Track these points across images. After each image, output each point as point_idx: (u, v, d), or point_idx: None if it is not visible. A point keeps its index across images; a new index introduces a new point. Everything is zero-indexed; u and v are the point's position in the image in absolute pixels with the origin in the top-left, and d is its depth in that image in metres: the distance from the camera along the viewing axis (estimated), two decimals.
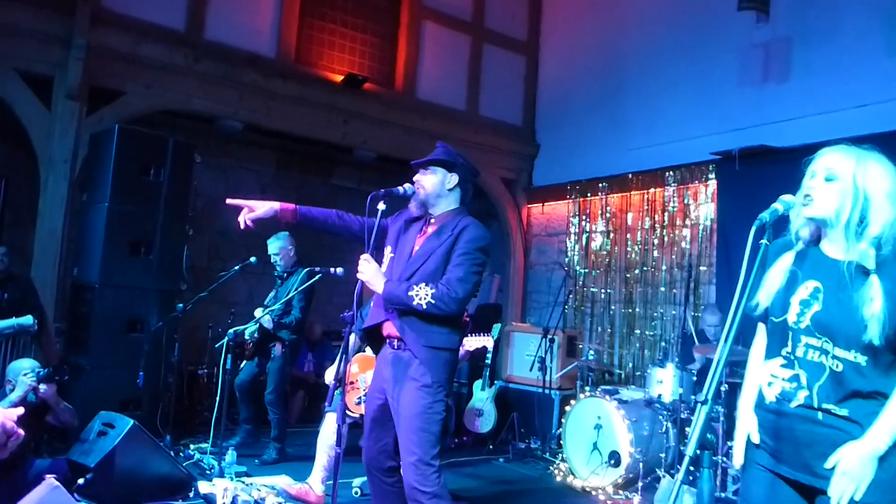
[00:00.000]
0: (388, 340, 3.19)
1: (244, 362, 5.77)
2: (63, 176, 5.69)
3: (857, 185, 1.87)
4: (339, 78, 7.30)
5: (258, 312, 5.57)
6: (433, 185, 3.16)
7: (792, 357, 1.95)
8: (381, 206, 3.00)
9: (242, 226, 3.20)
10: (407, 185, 3.17)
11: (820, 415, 1.87)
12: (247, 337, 5.66)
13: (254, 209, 3.19)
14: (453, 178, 3.18)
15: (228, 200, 3.25)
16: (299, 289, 5.43)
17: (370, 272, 3.01)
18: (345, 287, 8.23)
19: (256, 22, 6.93)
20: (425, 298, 2.93)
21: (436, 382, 2.98)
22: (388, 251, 3.27)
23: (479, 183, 8.00)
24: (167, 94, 6.34)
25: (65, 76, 5.70)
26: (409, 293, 2.95)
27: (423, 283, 2.96)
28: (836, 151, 1.95)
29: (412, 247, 3.17)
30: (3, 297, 5.21)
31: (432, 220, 3.19)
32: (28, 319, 4.87)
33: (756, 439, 2.01)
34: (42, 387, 3.83)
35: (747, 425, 2.05)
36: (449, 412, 3.10)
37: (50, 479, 3.05)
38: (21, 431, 1.62)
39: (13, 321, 4.82)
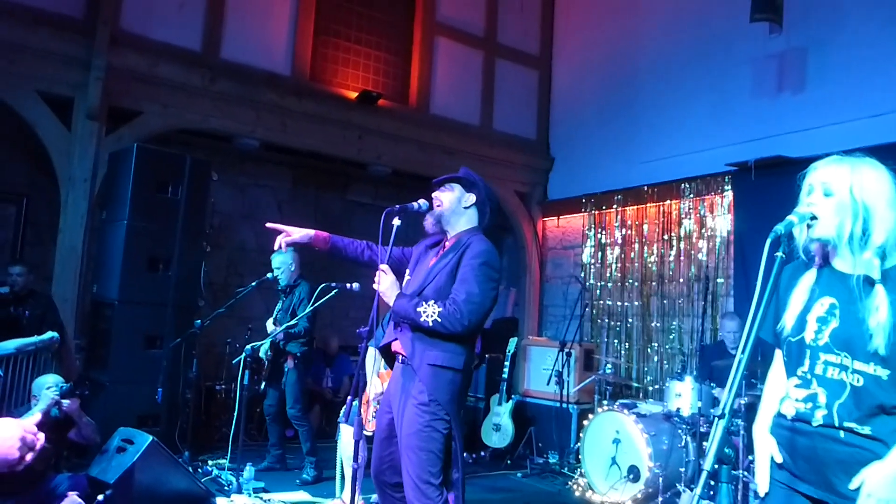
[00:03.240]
0: (397, 356, 3.20)
1: (263, 385, 5.78)
2: (83, 194, 5.77)
3: (855, 197, 1.85)
4: (353, 95, 7.36)
5: (269, 326, 5.59)
6: (450, 201, 3.18)
7: (809, 376, 1.91)
8: (397, 221, 3.02)
9: (277, 247, 3.31)
10: (422, 201, 3.19)
11: (842, 433, 1.83)
12: (262, 356, 5.68)
13: (290, 234, 3.29)
14: (470, 197, 3.20)
15: (268, 224, 3.36)
16: (315, 304, 5.44)
17: (386, 283, 3.03)
18: (361, 302, 8.25)
19: (271, 41, 7.01)
20: (432, 316, 2.92)
21: (433, 401, 2.93)
22: (406, 274, 3.29)
23: (505, 210, 8.06)
24: (184, 113, 6.42)
25: (84, 97, 5.79)
26: (418, 309, 2.94)
27: (433, 301, 2.95)
28: (830, 164, 1.93)
29: (427, 266, 3.20)
30: (24, 314, 5.29)
31: (447, 242, 3.22)
32: (48, 335, 4.92)
33: (779, 459, 1.97)
34: (65, 401, 3.87)
35: (767, 448, 2.01)
36: (450, 433, 3.02)
37: (73, 497, 3.08)
38: (41, 437, 1.63)
39: (34, 339, 4.88)
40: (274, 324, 5.59)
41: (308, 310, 5.36)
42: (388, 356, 3.31)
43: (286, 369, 5.64)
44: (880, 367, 1.81)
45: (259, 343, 5.43)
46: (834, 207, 1.88)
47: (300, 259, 5.86)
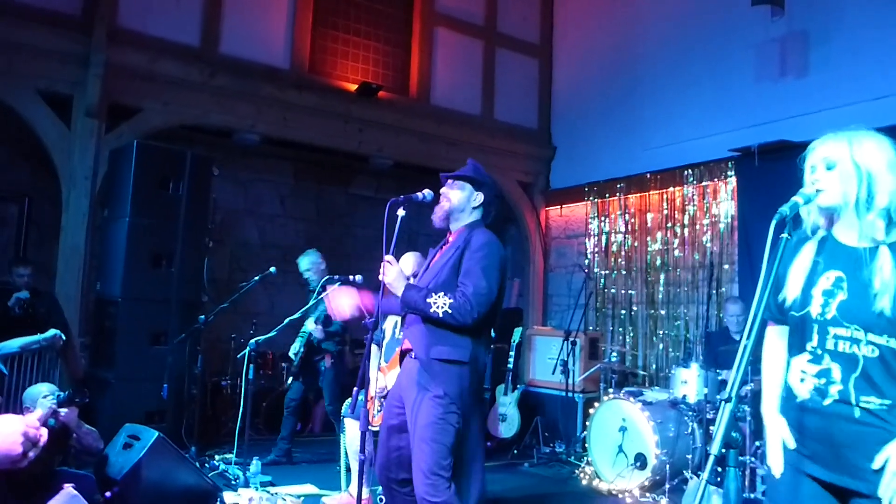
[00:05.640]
0: (408, 353, 3.19)
1: (291, 380, 5.82)
2: (84, 192, 5.77)
3: (858, 163, 1.89)
4: (353, 87, 7.33)
5: (310, 325, 5.54)
6: (458, 199, 3.19)
7: (820, 351, 1.89)
8: (401, 212, 3.00)
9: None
10: (426, 191, 3.17)
11: (857, 412, 1.80)
12: (291, 355, 5.74)
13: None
14: (479, 197, 3.20)
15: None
16: (319, 298, 5.44)
17: (392, 274, 3.03)
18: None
19: (270, 34, 6.98)
20: (442, 307, 2.92)
21: (447, 395, 2.95)
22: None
23: (508, 200, 8.04)
24: (184, 109, 6.40)
25: (84, 94, 5.78)
26: (427, 300, 2.94)
27: (442, 293, 2.95)
28: (827, 140, 1.97)
29: (431, 262, 3.21)
30: (29, 313, 5.28)
31: (450, 237, 3.22)
32: (51, 333, 4.92)
33: (792, 444, 1.94)
34: (63, 410, 3.71)
35: (779, 430, 1.99)
36: (461, 428, 3.03)
37: (68, 489, 3.05)
38: (45, 433, 1.63)
39: (38, 337, 4.88)
40: (316, 323, 5.55)
41: (321, 308, 5.36)
42: (402, 356, 3.31)
43: (322, 368, 5.68)
44: (894, 339, 1.80)
45: (265, 336, 5.42)
46: (838, 177, 1.91)
47: (324, 259, 5.88)
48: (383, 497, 4.58)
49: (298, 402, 5.81)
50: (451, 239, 3.21)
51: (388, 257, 3.03)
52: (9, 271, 5.66)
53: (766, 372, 2.11)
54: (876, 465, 1.76)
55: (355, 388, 2.97)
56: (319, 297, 5.42)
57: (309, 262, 5.81)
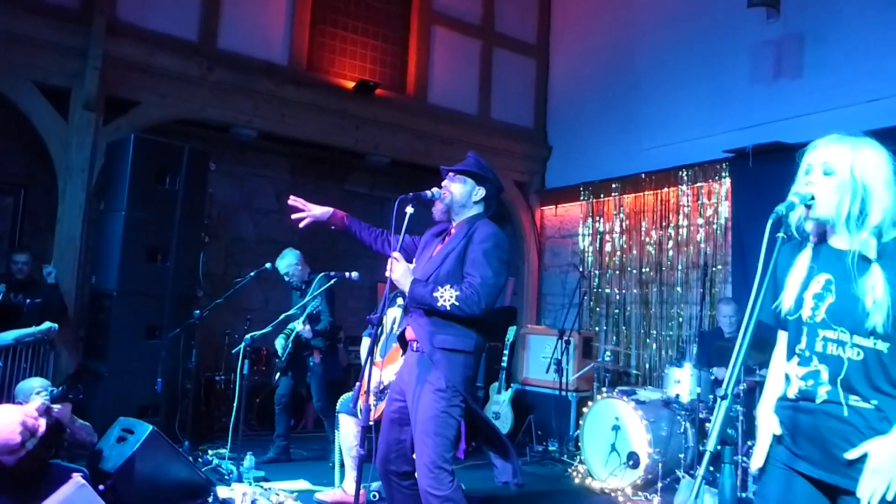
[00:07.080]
0: (409, 343, 3.20)
1: (279, 376, 5.81)
2: (80, 185, 5.76)
3: (855, 176, 1.86)
4: (350, 84, 7.34)
5: (298, 326, 5.51)
6: (460, 193, 3.20)
7: (809, 353, 1.91)
8: (410, 209, 3.01)
9: (301, 225, 3.39)
10: (435, 189, 3.19)
11: (845, 410, 1.83)
12: (278, 349, 5.72)
13: (310, 210, 3.36)
14: (480, 192, 3.22)
15: (291, 200, 3.38)
16: (314, 294, 5.44)
17: (399, 270, 3.04)
18: (360, 291, 8.26)
19: (269, 30, 6.98)
20: (449, 300, 2.93)
21: (450, 388, 2.97)
22: (413, 263, 3.30)
23: (503, 199, 8.05)
24: (182, 103, 6.39)
25: (81, 87, 5.76)
26: (434, 294, 2.96)
27: (448, 285, 2.97)
28: (831, 143, 1.93)
29: (432, 254, 3.21)
30: (25, 303, 5.27)
31: (452, 229, 3.23)
32: (45, 325, 4.91)
33: (779, 432, 1.97)
34: (56, 406, 3.66)
35: (769, 426, 2.01)
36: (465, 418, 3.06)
37: (77, 477, 3.05)
38: (43, 423, 1.63)
39: (33, 329, 4.87)
40: (304, 323, 5.52)
41: (310, 303, 5.35)
42: (403, 343, 3.31)
43: (311, 363, 5.67)
44: (880, 342, 1.82)
45: (260, 332, 5.42)
46: (834, 186, 1.88)
47: (303, 257, 5.87)
48: (377, 493, 4.62)
49: (288, 397, 5.80)
50: (453, 230, 3.21)
51: (396, 254, 3.04)
52: (5, 260, 5.64)
53: (769, 376, 2.14)
54: (851, 455, 1.78)
55: (357, 384, 2.98)
56: (317, 293, 5.43)
57: (286, 265, 5.78)
